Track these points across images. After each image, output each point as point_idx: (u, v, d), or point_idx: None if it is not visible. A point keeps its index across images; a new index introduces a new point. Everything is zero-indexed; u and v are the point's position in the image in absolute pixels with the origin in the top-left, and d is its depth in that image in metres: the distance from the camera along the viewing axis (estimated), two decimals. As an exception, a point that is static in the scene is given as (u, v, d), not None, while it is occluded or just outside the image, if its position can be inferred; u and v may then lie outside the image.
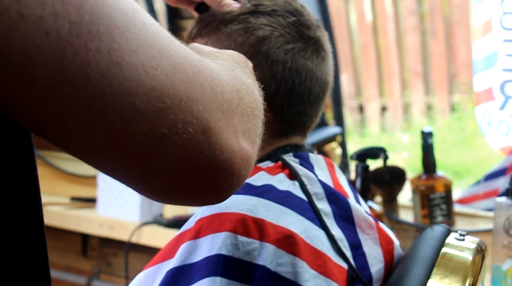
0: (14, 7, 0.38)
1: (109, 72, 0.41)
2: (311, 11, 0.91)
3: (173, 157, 0.44)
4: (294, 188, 0.82)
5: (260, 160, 0.87)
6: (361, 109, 4.65)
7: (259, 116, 0.54)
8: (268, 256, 0.74)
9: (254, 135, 0.52)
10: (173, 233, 1.65)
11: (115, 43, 0.41)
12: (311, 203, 0.81)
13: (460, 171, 3.83)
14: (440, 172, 1.53)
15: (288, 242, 0.76)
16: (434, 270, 0.80)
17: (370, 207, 1.30)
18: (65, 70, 0.40)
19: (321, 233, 0.79)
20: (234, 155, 0.46)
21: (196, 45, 0.70)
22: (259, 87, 0.59)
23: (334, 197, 0.84)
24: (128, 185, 0.46)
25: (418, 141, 1.55)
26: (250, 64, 0.74)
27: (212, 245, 0.74)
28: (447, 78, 4.35)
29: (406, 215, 1.60)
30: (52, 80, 0.40)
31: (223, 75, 0.49)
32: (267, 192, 0.79)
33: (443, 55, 4.32)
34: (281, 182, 0.82)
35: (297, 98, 0.85)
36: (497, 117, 2.18)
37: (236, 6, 0.86)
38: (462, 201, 1.81)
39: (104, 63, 0.41)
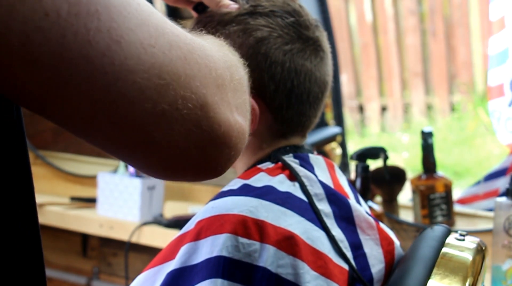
0: None
1: (110, 50, 0.42)
2: (311, 11, 0.91)
3: (174, 133, 0.45)
4: (294, 189, 0.82)
5: (260, 161, 0.87)
6: (361, 109, 4.65)
7: (247, 92, 0.56)
8: (268, 257, 0.74)
9: (245, 110, 0.53)
10: (173, 233, 1.64)
11: (114, 22, 0.42)
12: (311, 204, 0.81)
13: (460, 171, 3.83)
14: (440, 172, 1.53)
15: (289, 243, 0.75)
16: (434, 270, 0.80)
17: (370, 207, 1.30)
18: (67, 50, 0.40)
19: (321, 234, 0.79)
20: (230, 129, 0.48)
21: None
22: (244, 63, 0.60)
23: (334, 197, 0.84)
24: (130, 163, 0.47)
25: (418, 141, 1.55)
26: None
27: (213, 247, 0.74)
28: (447, 78, 4.35)
29: (406, 215, 1.59)
30: (54, 60, 0.40)
31: (214, 52, 0.51)
32: (267, 193, 0.79)
33: (443, 55, 4.32)
34: (281, 183, 0.82)
35: (296, 98, 0.85)
36: (506, 114, 2.18)
37: (234, 6, 0.86)
38: (462, 201, 1.81)
39: (104, 42, 0.41)
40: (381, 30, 4.48)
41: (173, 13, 2.02)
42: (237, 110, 0.50)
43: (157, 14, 0.46)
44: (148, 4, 0.46)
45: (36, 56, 0.40)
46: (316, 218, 0.80)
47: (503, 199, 1.21)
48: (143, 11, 0.45)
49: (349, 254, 0.81)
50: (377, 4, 4.49)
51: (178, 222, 1.67)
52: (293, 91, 0.85)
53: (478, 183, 1.87)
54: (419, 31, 4.38)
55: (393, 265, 0.87)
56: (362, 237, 0.84)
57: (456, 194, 1.80)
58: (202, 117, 0.45)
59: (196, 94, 0.45)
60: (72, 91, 0.41)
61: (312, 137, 1.76)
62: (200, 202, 1.87)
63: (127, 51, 0.42)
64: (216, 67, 0.49)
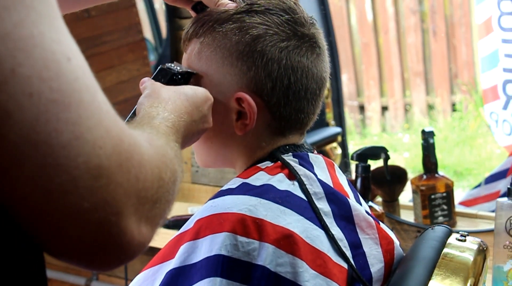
0: (9, 62, 0.41)
1: (69, 144, 0.44)
2: (312, 10, 0.91)
3: (84, 229, 0.46)
4: (293, 188, 0.82)
5: (259, 160, 0.87)
6: (361, 109, 4.64)
7: (171, 200, 0.59)
8: (267, 256, 0.74)
9: (159, 219, 0.55)
10: (173, 233, 1.63)
11: (80, 117, 0.44)
12: (310, 202, 0.81)
13: (461, 171, 3.82)
14: (441, 172, 1.52)
15: (288, 242, 0.75)
16: (435, 271, 0.80)
17: (370, 207, 1.29)
18: (34, 134, 0.42)
19: (320, 232, 0.79)
20: (133, 240, 0.49)
21: (160, 94, 0.75)
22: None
23: (333, 196, 0.84)
24: (37, 242, 0.47)
25: (419, 141, 1.54)
26: (210, 102, 0.80)
27: (212, 245, 0.74)
28: (448, 77, 4.35)
29: (407, 216, 1.59)
30: (20, 139, 0.42)
31: (153, 160, 0.53)
32: (266, 192, 0.79)
33: (444, 54, 4.31)
34: (281, 182, 0.82)
35: (293, 95, 0.85)
36: (502, 116, 2.19)
37: (232, 5, 0.86)
38: (464, 204, 1.81)
39: (67, 135, 0.43)
40: (381, 29, 4.48)
41: (173, 13, 2.02)
42: (146, 221, 0.51)
43: (111, 113, 0.48)
44: (107, 102, 0.49)
45: (7, 131, 0.42)
46: (315, 217, 0.80)
47: (505, 199, 1.21)
48: (101, 110, 0.47)
49: (348, 253, 0.81)
50: (377, 4, 4.48)
51: (177, 223, 1.66)
52: (291, 88, 0.85)
53: (479, 185, 1.87)
54: (420, 30, 4.37)
55: (392, 264, 0.87)
56: (362, 236, 0.84)
57: (458, 195, 1.80)
58: (113, 224, 0.47)
59: (117, 201, 0.47)
60: (20, 171, 0.43)
61: (313, 137, 1.76)
62: (200, 203, 1.87)
63: (81, 149, 0.44)
64: (146, 179, 0.51)
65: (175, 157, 0.61)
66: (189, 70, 0.86)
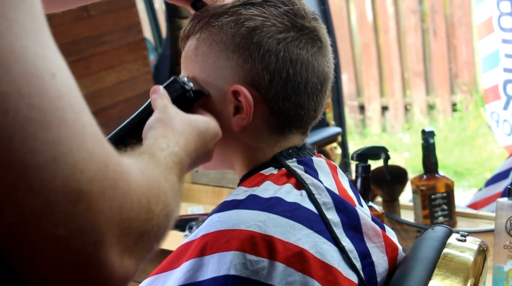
0: None
1: (45, 166, 0.41)
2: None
3: (60, 258, 0.43)
4: (301, 199, 0.79)
5: (260, 164, 0.85)
6: (362, 109, 4.64)
7: (162, 236, 0.55)
8: (277, 275, 0.72)
9: (144, 253, 0.51)
10: (173, 233, 1.64)
11: (60, 137, 0.42)
12: (321, 214, 0.79)
13: (462, 171, 3.82)
14: (441, 172, 1.52)
15: (298, 259, 0.74)
16: (435, 271, 0.80)
17: (370, 207, 1.29)
18: (8, 153, 0.40)
19: (330, 246, 0.78)
20: (113, 272, 0.46)
21: (174, 125, 0.72)
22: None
23: (342, 206, 0.82)
24: (14, 269, 0.45)
25: (419, 141, 1.54)
26: (218, 138, 0.78)
27: (220, 265, 0.72)
28: (448, 77, 4.35)
29: (407, 216, 1.59)
30: None
31: (142, 191, 0.50)
32: (275, 206, 0.77)
33: (444, 54, 4.31)
34: (288, 193, 0.79)
35: (292, 89, 0.82)
36: (502, 116, 2.19)
37: (230, 0, 0.85)
38: (473, 206, 1.82)
39: (44, 156, 0.41)
40: (382, 29, 4.48)
41: (173, 13, 2.02)
42: (130, 254, 0.48)
43: (97, 136, 0.46)
44: (93, 123, 0.46)
45: None
46: (325, 229, 0.78)
47: (505, 199, 1.20)
48: (85, 131, 0.44)
49: (358, 265, 0.80)
50: (378, 3, 4.48)
51: (177, 223, 1.65)
52: (289, 81, 0.82)
53: (485, 186, 1.88)
54: (420, 30, 4.37)
55: (394, 270, 0.86)
56: (369, 245, 0.83)
57: (458, 195, 1.80)
58: (92, 254, 0.44)
59: (96, 230, 0.44)
60: None
61: (313, 137, 1.76)
62: (200, 203, 1.87)
63: (59, 171, 0.42)
64: (131, 209, 0.47)
65: (171, 190, 0.57)
66: (201, 90, 0.84)
